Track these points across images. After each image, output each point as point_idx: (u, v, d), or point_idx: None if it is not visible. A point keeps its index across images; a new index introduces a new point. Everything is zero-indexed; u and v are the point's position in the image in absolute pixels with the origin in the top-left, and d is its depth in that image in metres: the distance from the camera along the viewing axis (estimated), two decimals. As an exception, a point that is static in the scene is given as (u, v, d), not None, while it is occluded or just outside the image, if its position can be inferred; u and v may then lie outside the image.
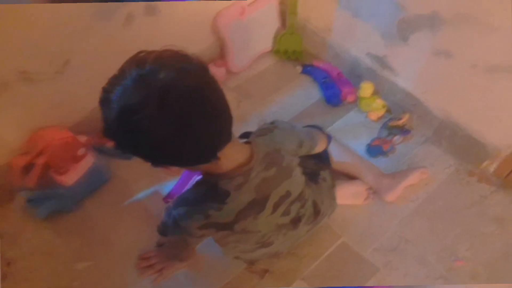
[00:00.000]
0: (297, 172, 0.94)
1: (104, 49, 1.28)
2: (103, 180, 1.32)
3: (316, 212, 1.07)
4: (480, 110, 1.29)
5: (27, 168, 1.18)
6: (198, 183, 0.86)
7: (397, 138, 1.42)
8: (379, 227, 1.26)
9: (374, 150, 1.41)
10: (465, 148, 1.37)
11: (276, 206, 0.90)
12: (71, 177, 1.22)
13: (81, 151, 1.23)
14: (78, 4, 1.14)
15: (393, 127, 1.44)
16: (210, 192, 0.81)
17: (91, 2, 1.18)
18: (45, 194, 1.21)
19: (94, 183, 1.30)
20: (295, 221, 1.00)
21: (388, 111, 1.50)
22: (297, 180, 0.94)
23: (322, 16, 1.57)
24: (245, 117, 1.50)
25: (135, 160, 1.37)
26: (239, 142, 0.82)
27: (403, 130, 1.43)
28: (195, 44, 1.51)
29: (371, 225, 1.27)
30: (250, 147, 0.82)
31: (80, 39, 1.20)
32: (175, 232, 0.96)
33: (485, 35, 1.14)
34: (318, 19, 1.59)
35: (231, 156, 0.77)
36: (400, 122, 1.43)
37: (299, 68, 1.64)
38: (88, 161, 1.26)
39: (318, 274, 1.16)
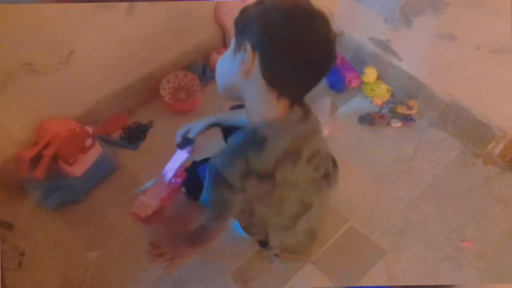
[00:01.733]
0: (321, 133, 0.97)
1: (108, 39, 1.28)
2: (110, 170, 1.33)
3: (335, 167, 1.09)
4: (485, 92, 1.29)
5: (35, 159, 1.19)
6: (237, 133, 0.86)
7: (395, 121, 1.44)
8: (386, 211, 1.27)
9: (365, 118, 1.45)
10: (470, 130, 1.37)
11: (309, 160, 0.92)
12: (79, 168, 1.22)
13: (88, 142, 1.24)
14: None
15: (399, 113, 1.44)
16: (249, 139, 0.82)
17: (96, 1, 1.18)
18: (54, 185, 1.22)
19: (102, 173, 1.31)
20: (326, 177, 1.02)
21: (393, 95, 1.50)
22: (323, 140, 0.97)
23: (324, 1, 1.56)
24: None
25: (142, 150, 1.40)
26: None
27: (408, 118, 1.44)
28: (197, 33, 1.52)
29: (378, 208, 1.27)
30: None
31: (83, 30, 1.20)
32: (216, 194, 0.89)
33: (489, 17, 1.14)
34: (320, 4, 1.58)
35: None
36: (408, 112, 1.44)
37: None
38: (96, 151, 1.26)
39: (327, 258, 1.18)
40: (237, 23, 0.79)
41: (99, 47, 1.27)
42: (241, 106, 1.02)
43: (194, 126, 1.12)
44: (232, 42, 0.81)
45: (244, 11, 0.78)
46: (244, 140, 0.83)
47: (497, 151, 1.36)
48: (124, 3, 1.24)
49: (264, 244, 1.13)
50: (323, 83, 1.57)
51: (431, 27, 1.29)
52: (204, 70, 1.53)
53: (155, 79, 1.48)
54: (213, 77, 1.56)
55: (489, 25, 1.16)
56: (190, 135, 1.11)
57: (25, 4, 1.05)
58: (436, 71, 1.37)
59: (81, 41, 1.22)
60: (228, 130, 1.13)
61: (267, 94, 0.79)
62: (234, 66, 0.79)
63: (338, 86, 1.54)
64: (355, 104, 1.52)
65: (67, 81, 1.25)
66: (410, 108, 1.43)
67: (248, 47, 0.74)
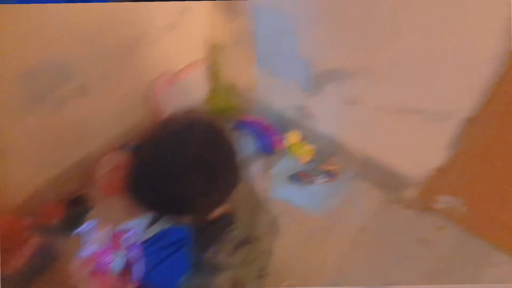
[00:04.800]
0: None
1: (40, 132, 1.33)
2: (51, 259, 1.33)
3: None
4: (393, 145, 1.44)
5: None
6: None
7: (320, 177, 1.57)
8: (320, 265, 1.35)
9: (294, 177, 1.58)
10: (388, 180, 1.51)
11: None
12: (18, 261, 1.23)
13: (26, 234, 1.26)
14: (13, 89, 1.19)
15: (322, 170, 1.58)
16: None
17: None
18: (-8, 283, 1.21)
19: (43, 263, 1.31)
20: None
21: (316, 154, 1.64)
22: None
23: (244, 76, 1.71)
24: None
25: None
26: None
27: (330, 174, 1.57)
28: (128, 118, 1.60)
29: (312, 264, 1.36)
30: None
31: (16, 124, 1.25)
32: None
33: (386, 82, 1.31)
34: (241, 79, 1.74)
35: None
36: (331, 168, 1.57)
37: (231, 124, 1.76)
38: (34, 243, 1.28)
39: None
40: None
41: (32, 140, 1.32)
42: None
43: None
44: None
45: None
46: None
47: (413, 195, 1.50)
48: (55, 97, 1.31)
49: None
50: (254, 148, 1.68)
51: (339, 93, 1.45)
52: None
53: (91, 162, 1.53)
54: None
55: (387, 89, 1.33)
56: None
57: None
58: (349, 130, 1.52)
59: (15, 135, 1.26)
60: None
61: None
62: None
63: (267, 150, 1.66)
64: (284, 165, 1.63)
65: (1, 175, 1.28)
66: (332, 164, 1.57)
67: None
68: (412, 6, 1.10)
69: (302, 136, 1.64)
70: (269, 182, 1.46)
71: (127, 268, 1.00)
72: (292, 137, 1.62)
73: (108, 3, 1.31)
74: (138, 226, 1.06)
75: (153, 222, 1.09)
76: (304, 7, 1.34)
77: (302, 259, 1.36)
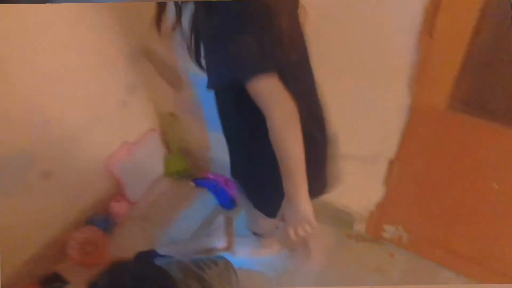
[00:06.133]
0: None
1: (11, 222, 1.39)
2: None
3: None
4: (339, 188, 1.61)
5: None
6: None
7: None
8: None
9: None
10: (337, 218, 1.67)
11: None
12: None
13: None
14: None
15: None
16: None
17: None
18: None
19: None
20: None
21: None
22: None
23: (199, 139, 1.85)
24: (153, 241, 1.67)
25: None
26: None
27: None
28: (93, 191, 1.68)
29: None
30: None
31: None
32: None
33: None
34: (196, 141, 1.87)
35: None
36: None
37: (192, 183, 1.87)
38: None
39: None
40: None
41: (4, 225, 1.37)
42: None
43: None
44: None
45: None
46: None
47: (363, 229, 1.66)
48: (20, 185, 1.39)
49: None
50: (217, 203, 1.80)
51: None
52: (106, 220, 1.68)
53: (61, 240, 1.59)
54: (115, 224, 1.72)
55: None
56: None
57: None
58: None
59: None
60: None
61: None
62: None
63: (228, 204, 1.78)
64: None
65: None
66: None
67: None
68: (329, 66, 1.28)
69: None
70: (233, 237, 1.57)
71: None
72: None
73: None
74: None
75: None
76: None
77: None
